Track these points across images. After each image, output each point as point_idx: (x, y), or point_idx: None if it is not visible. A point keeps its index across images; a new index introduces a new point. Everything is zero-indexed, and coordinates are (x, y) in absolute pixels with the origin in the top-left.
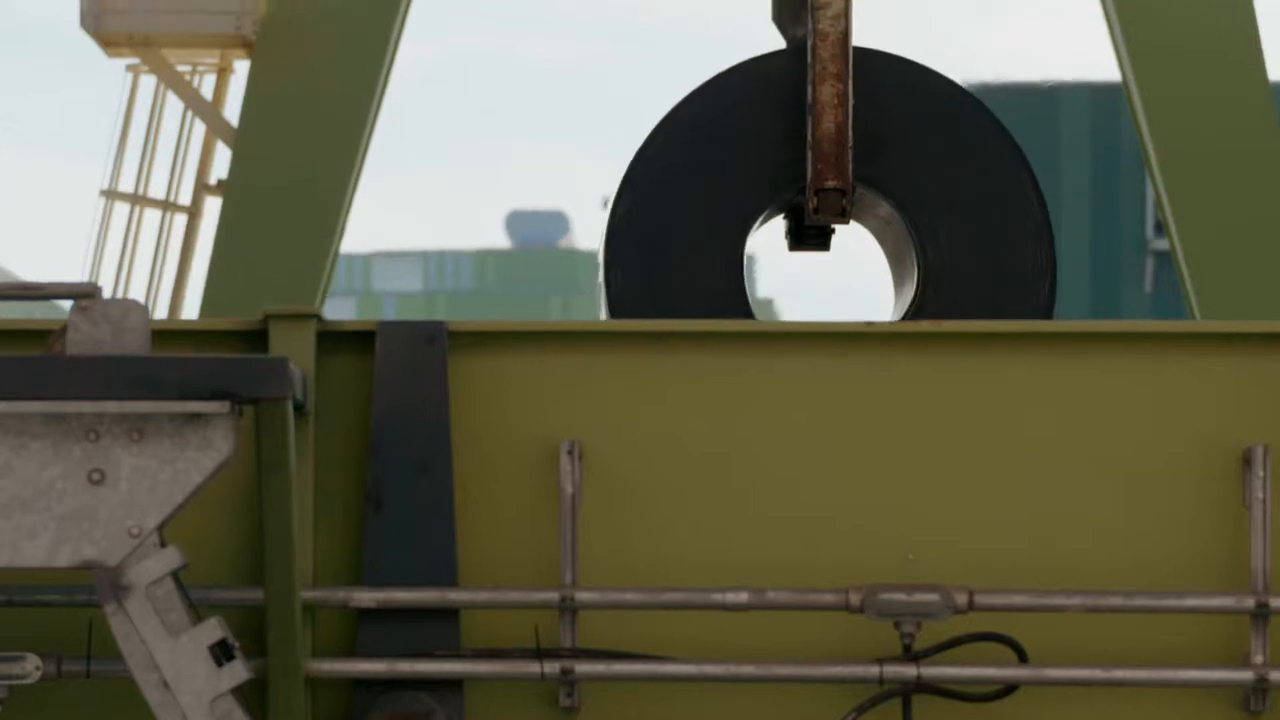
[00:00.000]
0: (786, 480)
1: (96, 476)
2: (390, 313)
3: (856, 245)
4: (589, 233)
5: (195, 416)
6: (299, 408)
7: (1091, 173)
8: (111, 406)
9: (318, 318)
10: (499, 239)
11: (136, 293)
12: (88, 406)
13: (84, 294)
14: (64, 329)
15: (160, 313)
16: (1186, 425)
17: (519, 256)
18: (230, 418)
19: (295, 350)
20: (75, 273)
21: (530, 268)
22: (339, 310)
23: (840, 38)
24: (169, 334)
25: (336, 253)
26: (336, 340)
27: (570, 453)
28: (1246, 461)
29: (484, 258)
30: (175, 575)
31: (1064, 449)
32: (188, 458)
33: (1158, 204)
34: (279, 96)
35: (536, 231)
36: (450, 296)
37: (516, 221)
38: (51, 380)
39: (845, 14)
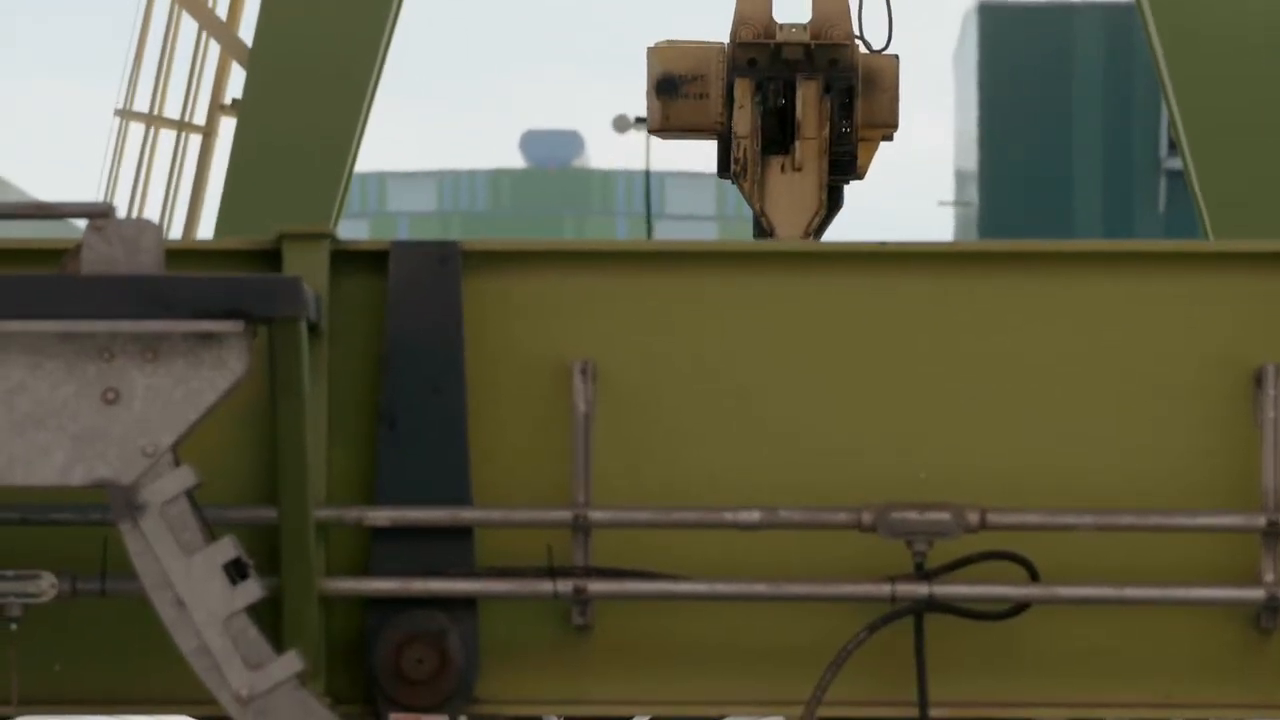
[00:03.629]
0: (799, 400)
1: (111, 396)
2: (404, 233)
3: None
4: (602, 152)
5: (209, 336)
6: (313, 327)
7: (1105, 92)
8: (126, 326)
9: (331, 238)
10: (514, 159)
11: (151, 213)
12: (102, 326)
13: (98, 213)
14: (78, 248)
15: (175, 233)
16: (1198, 344)
17: (533, 176)
18: (244, 337)
19: (309, 270)
20: (90, 193)
21: (544, 188)
22: (353, 230)
23: None
24: (183, 254)
25: (351, 173)
26: (350, 260)
27: (583, 372)
28: (1258, 380)
29: (498, 177)
30: (189, 494)
31: (1077, 368)
32: (202, 377)
33: (1171, 123)
34: (293, 16)
35: (551, 151)
36: (464, 216)
37: (531, 141)
38: (66, 299)
39: None
